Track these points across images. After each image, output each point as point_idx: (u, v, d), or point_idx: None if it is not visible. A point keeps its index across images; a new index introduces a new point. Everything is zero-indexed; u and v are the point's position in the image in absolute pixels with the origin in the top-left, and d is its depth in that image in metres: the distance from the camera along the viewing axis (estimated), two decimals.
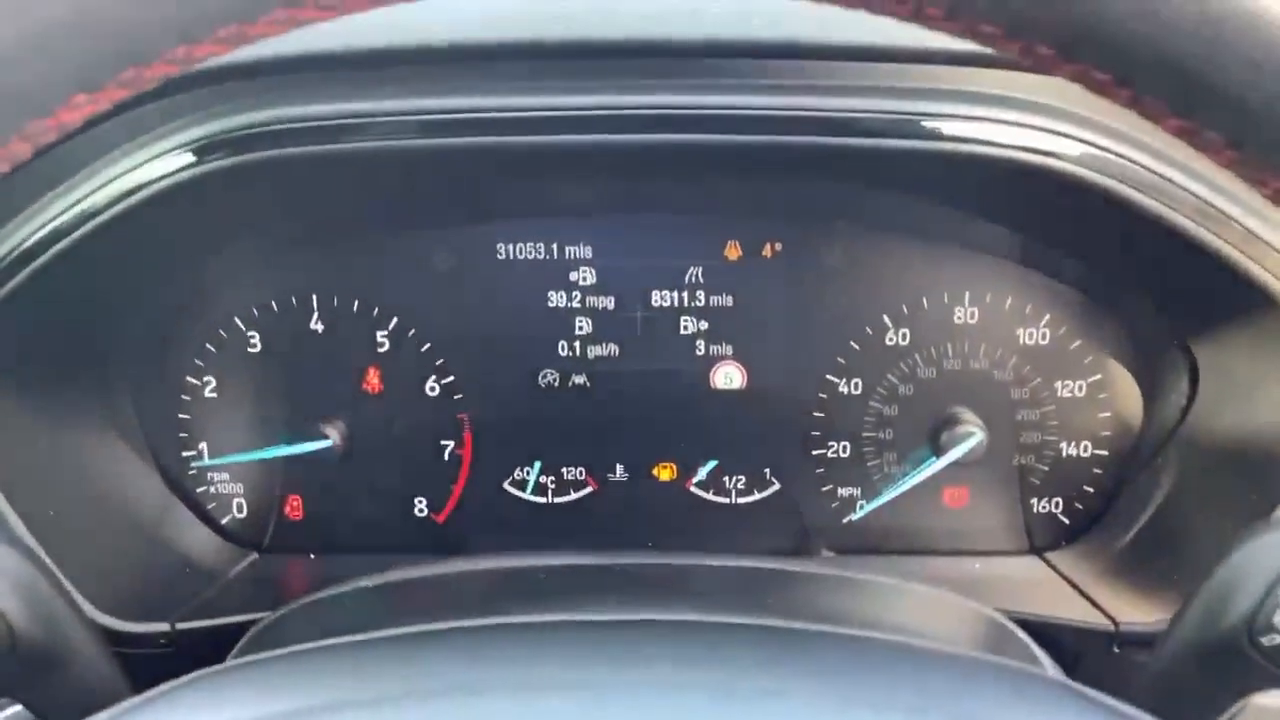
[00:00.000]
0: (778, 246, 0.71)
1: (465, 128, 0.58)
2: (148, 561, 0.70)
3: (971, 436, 0.70)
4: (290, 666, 0.40)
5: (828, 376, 0.72)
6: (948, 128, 0.57)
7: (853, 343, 0.72)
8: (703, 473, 0.75)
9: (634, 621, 0.44)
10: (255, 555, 0.75)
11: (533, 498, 0.76)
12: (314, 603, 0.58)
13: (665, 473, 0.76)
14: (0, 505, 0.60)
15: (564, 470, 0.76)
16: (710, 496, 0.76)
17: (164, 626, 0.63)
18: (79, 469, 0.67)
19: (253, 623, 0.59)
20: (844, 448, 0.74)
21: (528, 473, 0.76)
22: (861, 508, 0.74)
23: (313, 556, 0.75)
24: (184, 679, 0.39)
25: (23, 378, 0.63)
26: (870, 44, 0.58)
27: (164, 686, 0.39)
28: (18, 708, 0.50)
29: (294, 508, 0.75)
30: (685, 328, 0.73)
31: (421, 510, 0.76)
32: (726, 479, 0.75)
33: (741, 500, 0.75)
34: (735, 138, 0.58)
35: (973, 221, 0.67)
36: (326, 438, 0.73)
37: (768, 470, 0.75)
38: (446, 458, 0.75)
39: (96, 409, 0.69)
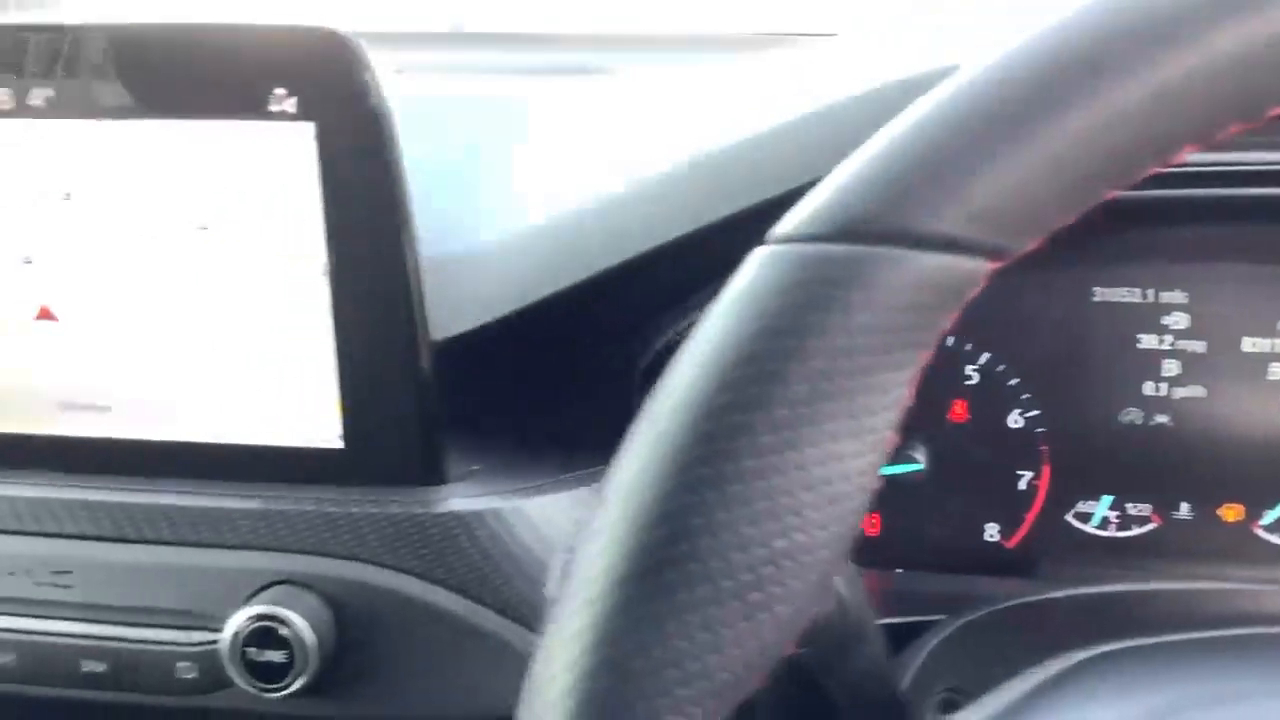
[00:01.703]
0: None
1: None
2: None
3: None
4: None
5: None
6: None
7: None
8: (1270, 516, 0.78)
9: None
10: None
11: (1095, 531, 0.79)
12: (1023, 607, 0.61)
13: (1231, 513, 0.78)
14: None
15: (1128, 505, 0.79)
16: (1277, 540, 0.78)
17: None
18: None
19: None
20: None
21: (1094, 506, 0.79)
22: None
23: (886, 571, 0.79)
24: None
25: None
26: None
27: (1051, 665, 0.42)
28: None
29: (872, 525, 0.79)
30: (1273, 374, 0.76)
31: (992, 535, 0.79)
32: None
33: None
34: None
35: None
36: (917, 461, 0.76)
37: None
38: (1023, 487, 0.78)
39: None
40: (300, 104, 0.57)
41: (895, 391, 0.33)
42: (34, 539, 0.61)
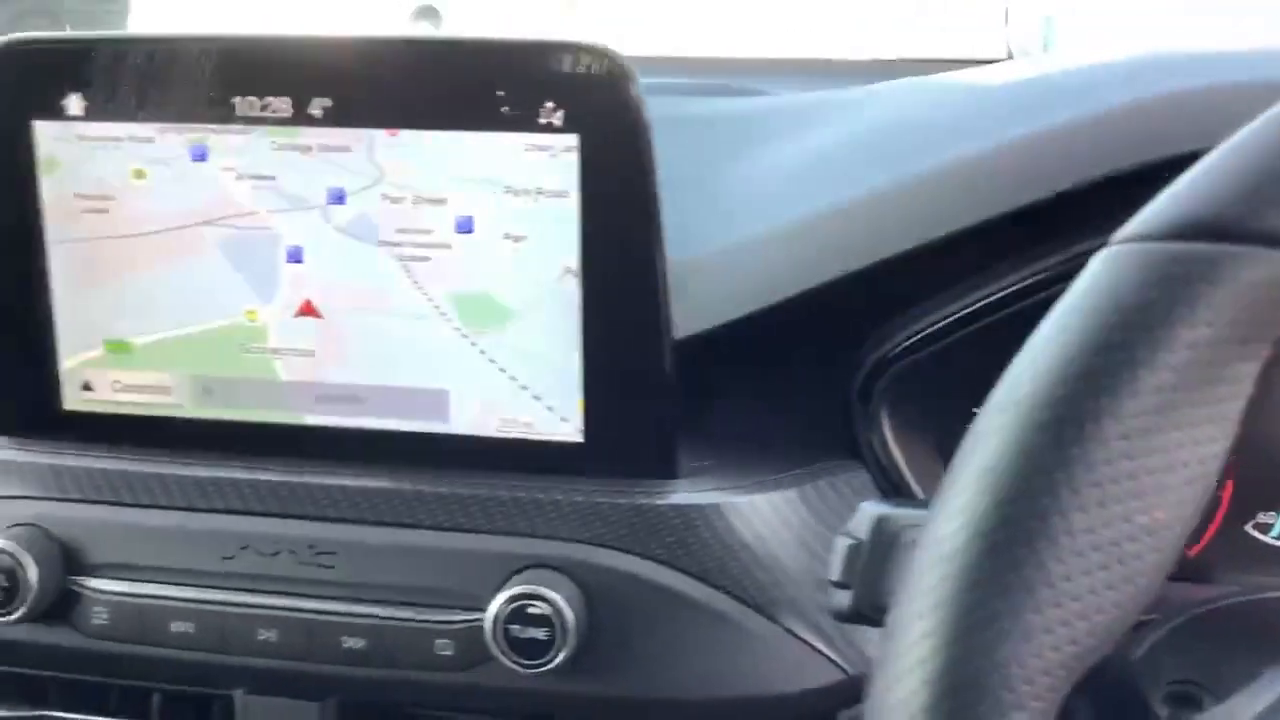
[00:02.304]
0: None
1: None
2: None
3: None
4: None
5: None
6: None
7: None
8: None
9: None
10: None
11: (1273, 541, 0.81)
12: None
13: None
14: None
15: None
16: None
17: None
18: None
19: None
20: None
21: (1274, 518, 0.81)
22: None
23: None
24: None
25: None
26: None
27: None
28: None
29: None
30: None
31: None
32: None
33: None
34: None
35: None
36: None
37: None
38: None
39: None
40: (567, 116, 0.61)
41: (1246, 382, 0.37)
42: (298, 522, 0.65)
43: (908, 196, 0.64)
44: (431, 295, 0.66)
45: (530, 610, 0.60)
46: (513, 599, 0.61)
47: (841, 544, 0.51)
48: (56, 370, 0.69)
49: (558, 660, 0.60)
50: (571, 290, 0.64)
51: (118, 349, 0.69)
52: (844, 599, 0.51)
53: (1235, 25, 1.07)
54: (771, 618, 0.62)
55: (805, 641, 0.62)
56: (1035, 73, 0.69)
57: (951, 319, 0.66)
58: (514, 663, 0.60)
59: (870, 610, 0.50)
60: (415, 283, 0.66)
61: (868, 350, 0.68)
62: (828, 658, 0.63)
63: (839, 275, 0.64)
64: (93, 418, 0.70)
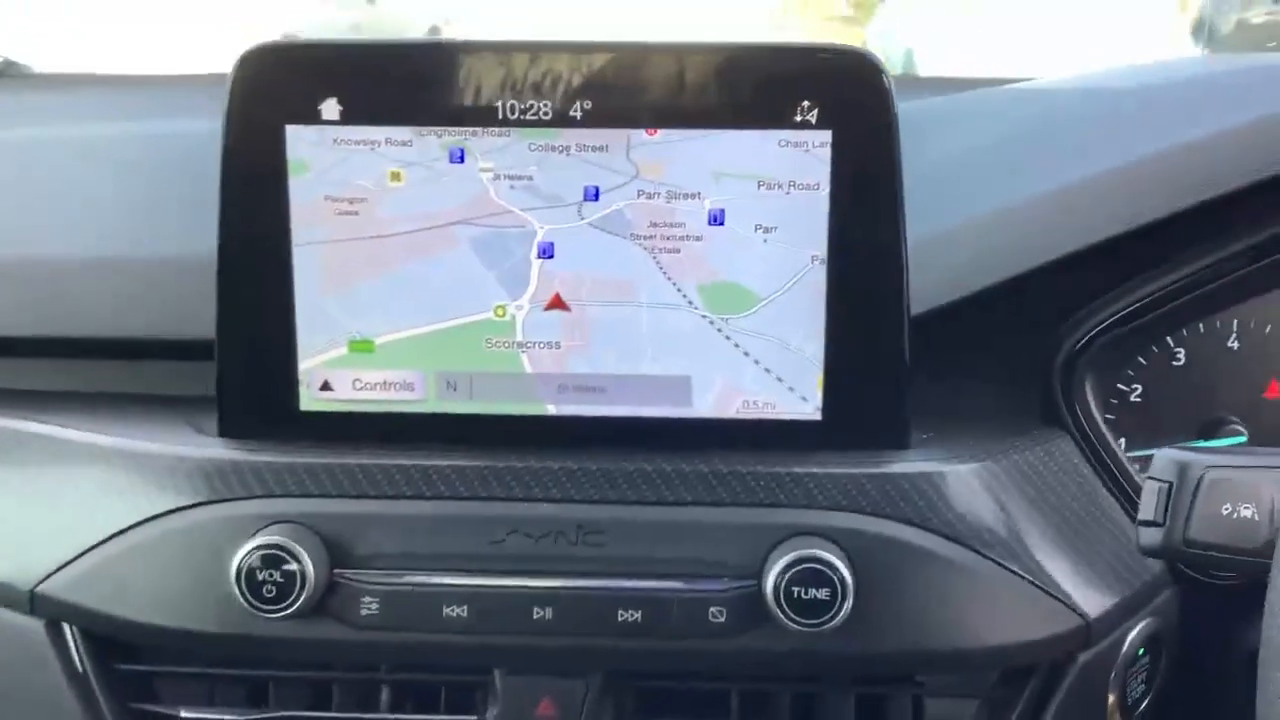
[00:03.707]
0: None
1: None
2: None
3: None
4: None
5: None
6: None
7: None
8: None
9: None
10: None
11: None
12: None
13: None
14: None
15: None
16: None
17: None
18: None
19: None
20: None
21: None
22: None
23: None
24: None
25: None
26: None
27: None
28: None
29: None
30: None
31: None
32: None
33: None
34: None
35: None
36: (1242, 434, 0.87)
37: None
38: None
39: None
40: (821, 113, 0.67)
41: None
42: (564, 505, 0.68)
43: (1121, 182, 0.71)
44: (680, 285, 0.70)
45: (811, 573, 0.65)
46: (793, 563, 0.65)
47: (1151, 486, 0.57)
48: (295, 371, 0.71)
49: (838, 619, 0.64)
50: (818, 277, 0.69)
51: (361, 348, 0.71)
52: (1156, 536, 0.57)
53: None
54: (1015, 571, 0.68)
55: (1047, 592, 0.68)
56: (1215, 69, 0.77)
57: (1152, 297, 0.73)
58: (795, 624, 0.64)
59: (1179, 544, 0.56)
60: (664, 274, 0.70)
61: (1072, 326, 0.75)
62: (1069, 605, 0.68)
63: (1054, 258, 0.71)
64: (330, 417, 0.72)
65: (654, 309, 0.70)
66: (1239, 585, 0.75)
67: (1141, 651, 0.72)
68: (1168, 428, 0.87)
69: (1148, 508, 0.57)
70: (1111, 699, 0.72)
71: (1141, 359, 0.87)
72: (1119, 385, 0.87)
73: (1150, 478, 0.59)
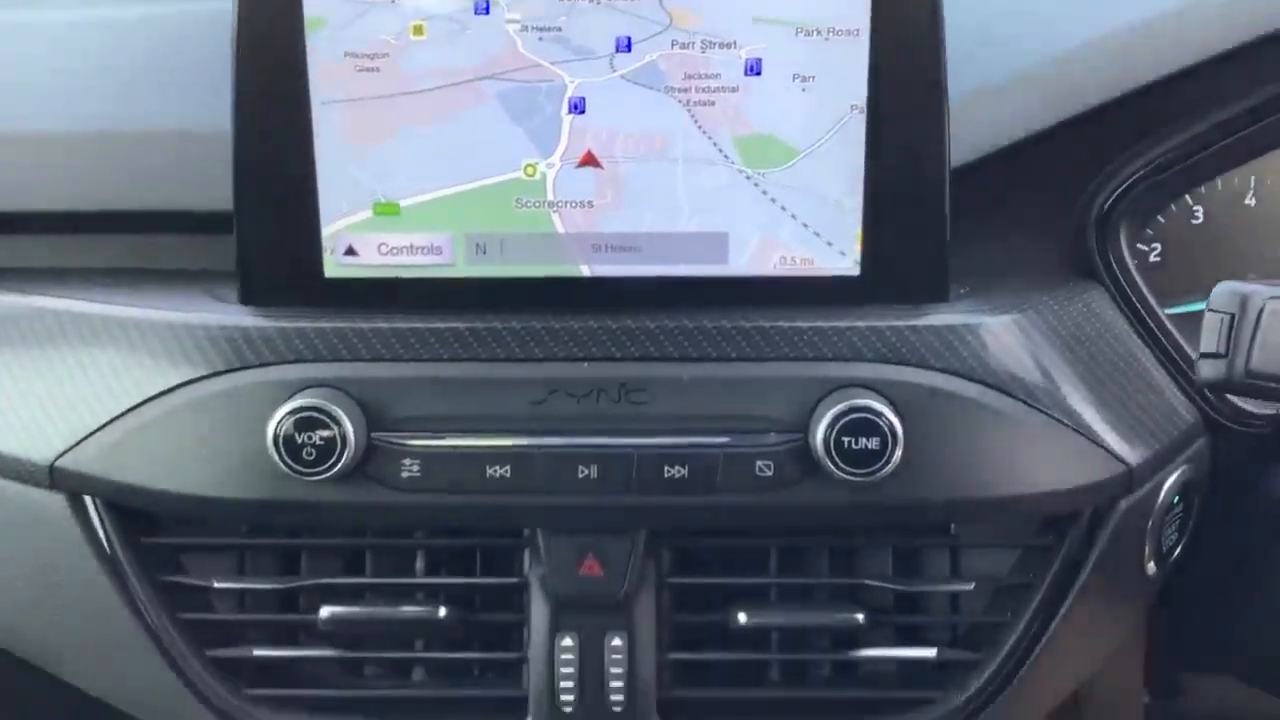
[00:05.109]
0: None
1: None
2: None
3: None
4: None
5: None
6: None
7: None
8: None
9: None
10: None
11: None
12: None
13: None
14: None
15: None
16: None
17: None
18: None
19: None
20: None
21: None
22: None
23: None
24: None
25: None
26: None
27: None
28: None
29: None
30: None
31: None
32: None
33: None
34: None
35: None
36: None
37: None
38: None
39: None
40: None
41: None
42: (605, 364, 0.67)
43: (1149, 34, 0.70)
44: (716, 139, 0.68)
45: (862, 422, 0.64)
46: (843, 413, 0.64)
47: (1212, 318, 0.57)
48: (318, 236, 0.69)
49: (889, 468, 0.64)
50: (858, 127, 0.68)
51: (386, 211, 0.69)
52: (1217, 368, 0.56)
53: None
54: (1059, 419, 0.68)
55: (1090, 439, 0.68)
56: None
57: (1185, 145, 0.73)
58: (845, 474, 0.64)
59: (1241, 376, 0.56)
60: (700, 127, 0.68)
61: (1107, 177, 0.74)
62: (1111, 452, 0.68)
63: (1091, 106, 0.70)
64: (356, 284, 0.70)
65: (689, 164, 0.68)
66: (1270, 434, 0.76)
67: (1177, 499, 0.73)
68: (1186, 286, 0.88)
69: (1209, 340, 0.57)
70: (1148, 548, 0.73)
71: (1161, 218, 0.87)
72: (1139, 245, 0.87)
73: (1210, 310, 0.58)
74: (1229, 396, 0.74)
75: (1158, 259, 0.88)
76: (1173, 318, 0.75)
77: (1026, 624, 0.70)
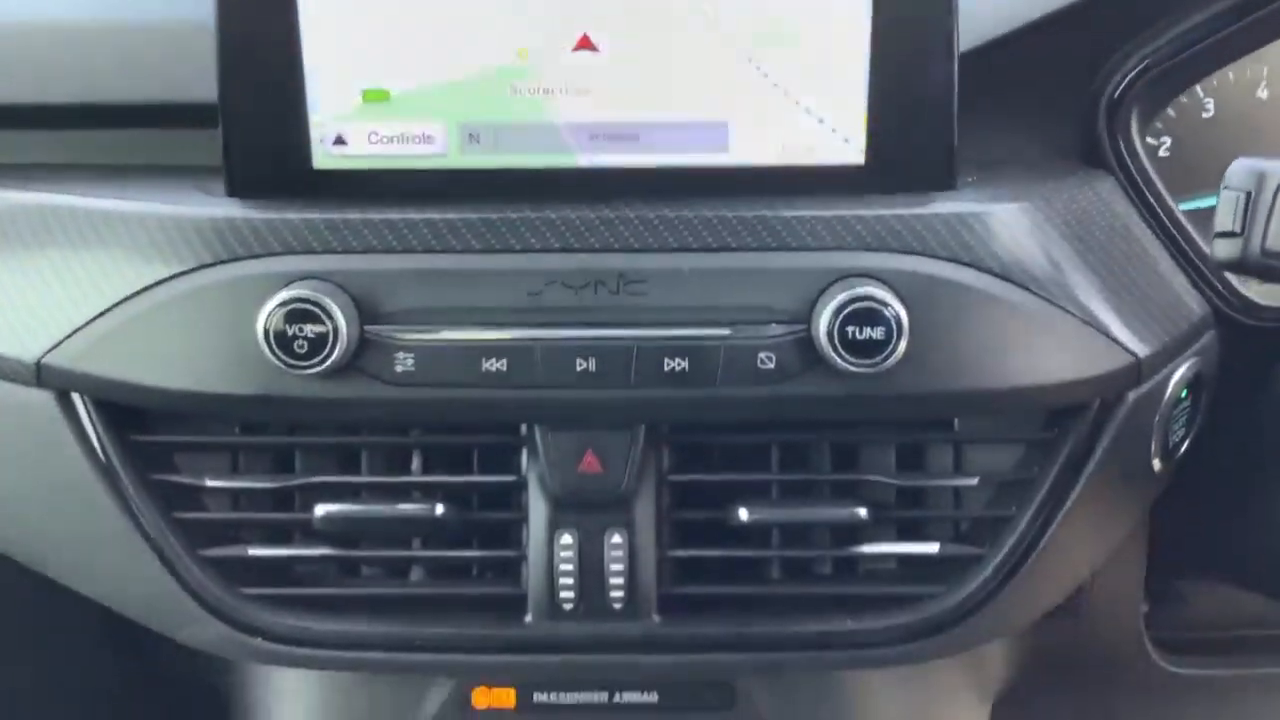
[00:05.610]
0: None
1: None
2: None
3: None
4: None
5: None
6: None
7: None
8: None
9: None
10: None
11: None
12: None
13: None
14: None
15: None
16: None
17: None
18: None
19: None
20: None
21: None
22: None
23: None
24: None
25: None
26: None
27: None
28: None
29: None
30: None
31: None
32: None
33: None
34: None
35: None
36: None
37: None
38: None
39: None
40: None
41: None
42: (603, 254, 0.65)
43: None
44: (718, 21, 0.66)
45: (866, 312, 0.63)
46: (847, 303, 0.63)
47: (1228, 196, 0.55)
48: (306, 125, 0.67)
49: (894, 358, 0.62)
50: (863, 9, 0.65)
51: (375, 98, 0.67)
52: (1233, 247, 0.55)
53: None
54: (1067, 309, 0.66)
55: (1099, 330, 0.66)
56: None
57: (1199, 27, 0.70)
58: (849, 365, 0.63)
59: (1257, 255, 0.54)
60: (700, 9, 0.66)
61: (1117, 63, 0.72)
62: (1120, 344, 0.67)
63: None
64: (346, 175, 0.68)
65: (689, 49, 0.66)
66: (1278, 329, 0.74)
67: (1185, 393, 0.72)
68: (1197, 181, 0.86)
69: (1225, 218, 0.55)
70: (1154, 443, 0.71)
71: (1171, 111, 0.85)
72: (1149, 140, 0.85)
73: (1226, 188, 0.56)
74: (1238, 289, 0.73)
75: (1167, 154, 0.86)
76: (1183, 212, 0.74)
77: (1030, 519, 0.69)
